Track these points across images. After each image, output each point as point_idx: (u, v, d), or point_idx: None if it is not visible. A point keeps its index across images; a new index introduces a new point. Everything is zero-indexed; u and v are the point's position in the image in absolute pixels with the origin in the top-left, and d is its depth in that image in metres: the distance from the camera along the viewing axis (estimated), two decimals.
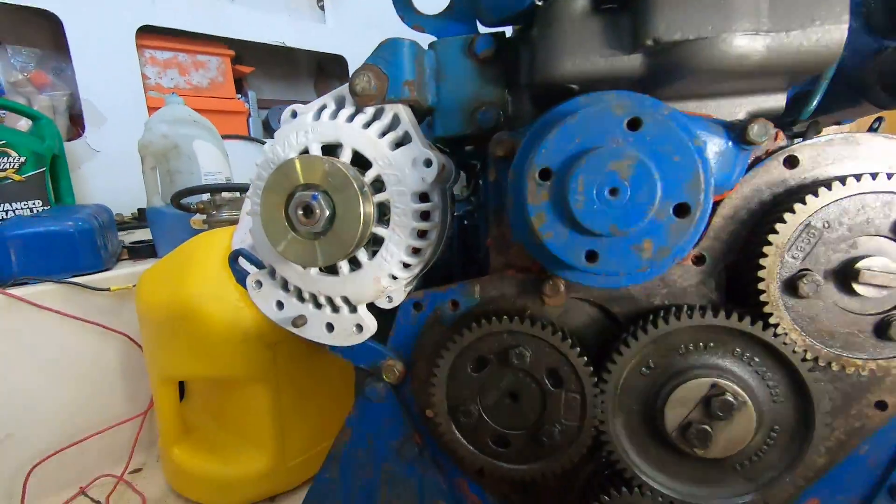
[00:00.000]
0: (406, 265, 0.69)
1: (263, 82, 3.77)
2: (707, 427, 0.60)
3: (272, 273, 0.74)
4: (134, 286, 1.48)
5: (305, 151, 0.68)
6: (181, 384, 1.53)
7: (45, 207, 1.87)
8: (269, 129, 3.58)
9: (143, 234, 2.01)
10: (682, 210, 0.47)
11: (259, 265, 0.77)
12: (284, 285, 0.74)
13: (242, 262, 0.81)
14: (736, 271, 0.64)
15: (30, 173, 1.89)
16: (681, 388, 0.61)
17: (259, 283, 0.75)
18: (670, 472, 0.65)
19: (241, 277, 0.78)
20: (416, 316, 0.76)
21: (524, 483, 0.72)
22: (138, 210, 2.40)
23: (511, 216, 0.60)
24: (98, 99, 2.57)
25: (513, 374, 0.67)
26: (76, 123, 2.66)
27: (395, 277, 0.69)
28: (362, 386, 0.98)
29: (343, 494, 0.80)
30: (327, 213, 0.63)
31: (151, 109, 2.60)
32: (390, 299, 0.74)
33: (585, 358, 0.65)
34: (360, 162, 0.67)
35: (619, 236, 0.48)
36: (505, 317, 0.66)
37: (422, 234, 0.69)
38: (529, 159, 0.50)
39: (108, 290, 1.48)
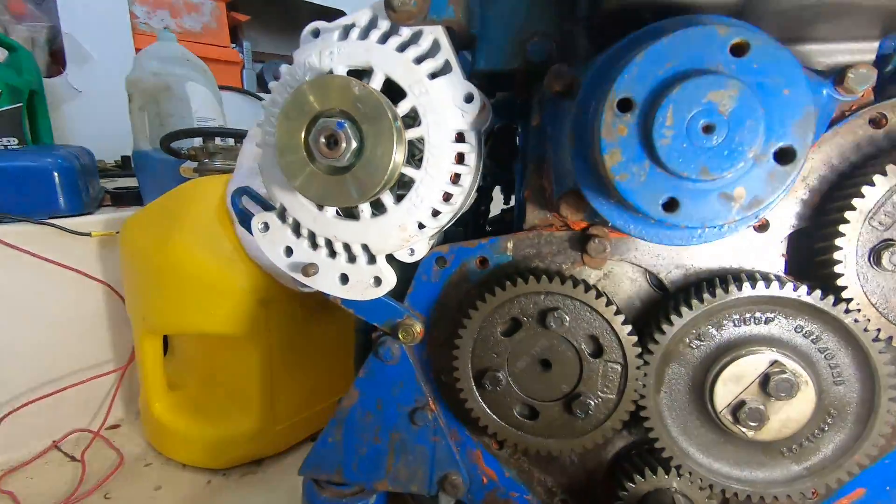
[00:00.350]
0: (436, 213, 0.62)
1: (259, 34, 3.58)
2: (762, 407, 0.55)
3: (282, 214, 0.66)
4: (117, 233, 1.39)
5: None
6: (165, 339, 1.45)
7: (21, 146, 1.74)
8: (263, 84, 3.41)
9: (127, 184, 1.89)
10: (785, 155, 0.40)
11: (266, 206, 0.69)
12: (296, 229, 0.66)
13: (246, 203, 0.73)
14: (801, 240, 0.58)
15: (4, 108, 1.74)
16: (735, 364, 0.56)
17: (266, 226, 0.67)
18: (712, 454, 0.60)
19: (244, 218, 0.70)
20: (438, 272, 0.69)
21: (548, 458, 0.67)
22: (122, 158, 2.27)
23: (570, 157, 0.53)
24: (82, 34, 2.40)
25: (548, 339, 0.61)
26: (57, 60, 2.48)
27: (422, 226, 0.62)
28: (363, 349, 0.92)
29: (346, 460, 0.74)
30: (354, 144, 0.55)
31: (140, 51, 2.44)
32: (412, 252, 0.66)
33: (630, 326, 0.58)
34: (391, 93, 0.59)
35: (707, 182, 0.41)
36: (544, 276, 0.59)
37: (455, 180, 0.61)
38: (607, 87, 0.43)
39: (90, 234, 1.38)
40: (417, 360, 0.71)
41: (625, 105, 0.42)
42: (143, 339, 1.27)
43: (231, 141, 1.64)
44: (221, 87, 2.09)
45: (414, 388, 0.71)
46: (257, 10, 3.34)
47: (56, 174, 1.38)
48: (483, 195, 1.21)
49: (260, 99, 3.03)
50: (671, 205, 0.43)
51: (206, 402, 1.36)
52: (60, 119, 2.35)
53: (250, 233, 0.68)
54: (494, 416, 0.64)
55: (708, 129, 0.40)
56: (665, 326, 0.57)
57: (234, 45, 3.19)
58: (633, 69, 0.41)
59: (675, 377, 0.59)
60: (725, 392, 0.56)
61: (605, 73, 0.46)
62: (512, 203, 1.34)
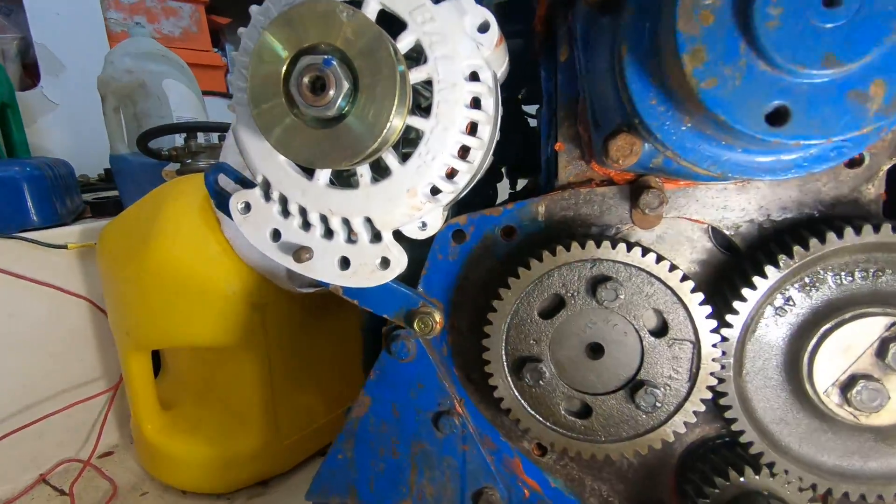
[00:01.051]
0: (451, 174, 0.51)
1: None
2: (879, 383, 0.43)
3: (265, 190, 0.55)
4: (96, 243, 1.27)
5: None
6: (156, 355, 1.34)
7: None
8: None
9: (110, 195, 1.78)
10: None
11: (246, 183, 0.58)
12: (283, 207, 0.55)
13: (224, 183, 0.62)
14: None
15: None
16: (840, 332, 0.45)
17: (247, 206, 0.56)
18: (812, 445, 0.49)
19: (221, 201, 0.59)
20: (456, 249, 0.58)
21: (602, 462, 0.56)
22: (105, 171, 2.15)
23: (618, 85, 0.42)
24: (55, 45, 2.29)
25: (598, 317, 0.50)
26: (31, 73, 2.38)
27: (436, 191, 0.51)
28: (372, 350, 0.81)
29: (360, 479, 0.63)
30: (346, 86, 0.43)
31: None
32: (424, 225, 0.55)
33: (702, 295, 0.47)
34: (388, 25, 0.48)
35: (831, 76, 0.30)
36: (590, 241, 0.48)
37: (471, 130, 0.50)
38: None
39: (65, 247, 1.27)
40: (438, 354, 0.60)
41: None
42: (129, 357, 1.16)
43: (215, 138, 1.53)
44: (205, 93, 1.98)
45: (436, 389, 0.60)
46: (239, 13, 3.23)
47: (25, 185, 1.27)
48: (491, 174, 1.10)
49: None
50: (779, 115, 0.31)
51: (204, 420, 1.24)
52: (37, 132, 2.24)
53: (229, 216, 0.57)
54: (538, 417, 0.53)
55: (832, 1, 0.29)
56: (746, 292, 0.46)
57: (216, 49, 3.09)
58: None
59: (760, 354, 0.48)
60: (829, 367, 0.45)
61: None
62: (518, 188, 1.23)
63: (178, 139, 1.47)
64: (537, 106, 1.07)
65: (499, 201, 1.20)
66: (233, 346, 1.11)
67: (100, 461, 1.33)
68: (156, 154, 1.40)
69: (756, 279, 0.46)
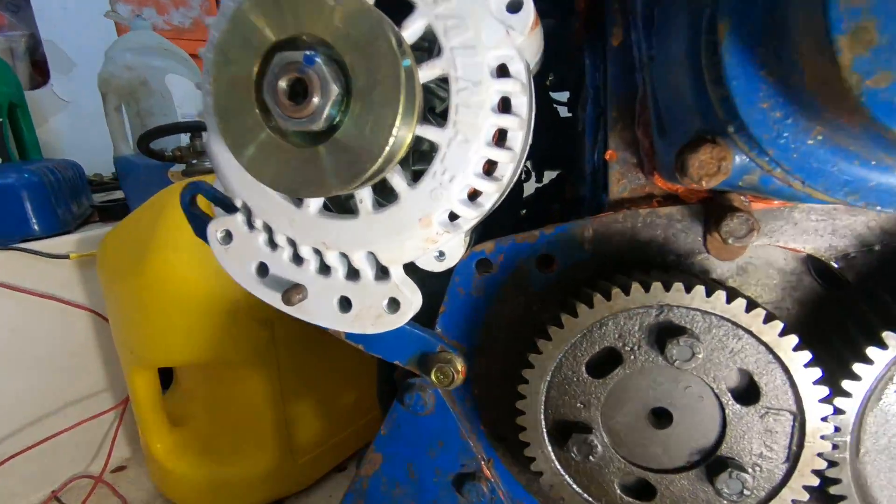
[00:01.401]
0: (474, 195, 0.40)
1: None
2: None
3: (248, 217, 0.45)
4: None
5: None
6: (167, 369, 1.28)
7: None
8: None
9: (119, 196, 1.72)
10: None
11: (228, 206, 0.48)
12: (269, 237, 0.45)
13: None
14: None
15: None
16: None
17: (228, 235, 0.46)
18: None
19: (199, 226, 0.49)
20: (481, 282, 0.47)
21: None
22: None
23: (699, 79, 0.30)
24: (63, 41, 2.24)
25: (665, 378, 0.39)
26: (40, 71, 2.33)
27: (454, 217, 0.40)
28: (387, 374, 0.71)
29: None
30: (335, 91, 0.33)
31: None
32: (442, 255, 0.45)
33: (809, 353, 0.36)
34: (392, 16, 0.37)
35: None
36: (657, 281, 0.37)
37: (499, 139, 0.39)
38: None
39: (67, 257, 1.20)
40: (461, 407, 0.50)
41: None
42: (134, 375, 1.09)
43: None
44: None
45: (459, 448, 0.50)
46: None
47: (25, 192, 1.20)
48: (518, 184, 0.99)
49: None
50: None
51: (215, 438, 1.18)
52: (49, 132, 2.21)
53: (207, 243, 0.48)
54: (586, 496, 0.42)
55: None
56: (872, 352, 0.34)
57: None
58: None
59: (886, 429, 0.37)
60: None
61: None
62: (545, 181, 1.11)
63: (184, 138, 1.39)
64: (567, 93, 0.95)
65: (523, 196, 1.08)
66: (241, 363, 1.04)
67: (112, 476, 1.28)
68: (159, 155, 1.32)
69: (887, 335, 0.34)
